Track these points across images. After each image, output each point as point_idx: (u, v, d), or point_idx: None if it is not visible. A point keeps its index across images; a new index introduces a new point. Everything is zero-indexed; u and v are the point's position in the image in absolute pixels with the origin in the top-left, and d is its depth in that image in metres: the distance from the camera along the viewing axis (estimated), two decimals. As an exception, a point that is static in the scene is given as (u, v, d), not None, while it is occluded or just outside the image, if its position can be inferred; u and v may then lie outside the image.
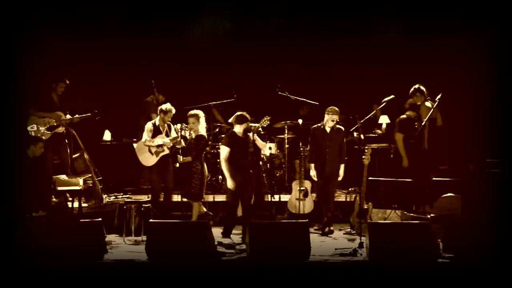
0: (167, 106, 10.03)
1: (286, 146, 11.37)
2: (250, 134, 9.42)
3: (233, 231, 9.64)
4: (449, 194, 9.13)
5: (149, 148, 9.98)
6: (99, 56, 12.11)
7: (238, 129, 9.41)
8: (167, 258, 8.26)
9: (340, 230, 10.16)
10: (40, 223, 8.92)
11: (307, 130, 10.29)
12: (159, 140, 9.93)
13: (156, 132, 10.01)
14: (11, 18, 9.96)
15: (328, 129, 9.82)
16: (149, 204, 9.71)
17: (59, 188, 9.77)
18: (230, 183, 9.26)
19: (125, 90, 12.43)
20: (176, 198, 10.54)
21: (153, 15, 12.32)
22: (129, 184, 11.77)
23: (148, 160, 10.02)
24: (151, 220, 8.86)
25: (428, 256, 8.16)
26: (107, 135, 11.56)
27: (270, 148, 11.12)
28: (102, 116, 10.62)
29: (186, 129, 9.84)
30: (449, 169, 10.75)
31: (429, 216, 9.20)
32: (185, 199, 10.08)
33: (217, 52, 12.78)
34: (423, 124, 10.12)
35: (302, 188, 10.33)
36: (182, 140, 9.79)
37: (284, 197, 10.79)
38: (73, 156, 10.65)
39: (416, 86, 10.50)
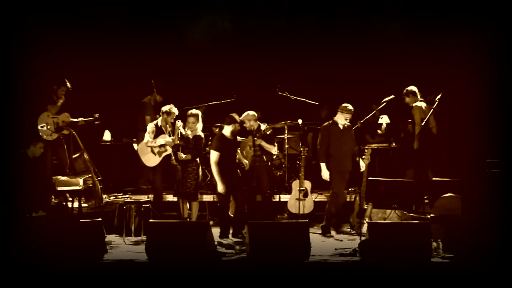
0: (170, 107, 10.03)
1: (286, 146, 11.36)
2: (257, 140, 9.72)
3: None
4: (449, 194, 9.13)
5: (151, 149, 9.99)
6: (99, 56, 12.12)
7: (227, 130, 9.47)
8: (167, 258, 8.26)
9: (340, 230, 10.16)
10: (40, 223, 8.92)
11: (307, 130, 10.30)
12: (161, 140, 9.94)
13: (158, 133, 10.01)
14: (11, 18, 9.97)
15: (341, 126, 9.82)
16: (149, 204, 9.71)
17: (59, 188, 9.76)
18: (221, 187, 9.32)
19: (125, 90, 12.44)
20: (172, 198, 10.51)
21: (153, 15, 12.32)
22: (129, 184, 11.76)
23: (151, 160, 10.03)
24: (151, 220, 8.86)
25: (427, 256, 8.17)
26: (107, 135, 11.56)
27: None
28: (101, 121, 10.69)
29: (182, 127, 9.82)
30: (449, 169, 10.74)
31: (429, 216, 9.20)
32: (176, 198, 10.07)
33: (217, 52, 12.79)
34: (423, 124, 10.14)
35: (302, 188, 10.32)
36: (178, 137, 9.79)
37: (284, 197, 10.78)
38: (73, 156, 10.64)
39: (409, 87, 10.51)
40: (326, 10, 12.33)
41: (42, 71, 10.47)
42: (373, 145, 11.08)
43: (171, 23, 12.46)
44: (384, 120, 11.63)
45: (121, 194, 10.54)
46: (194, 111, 9.88)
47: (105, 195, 10.37)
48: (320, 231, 9.90)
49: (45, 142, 10.03)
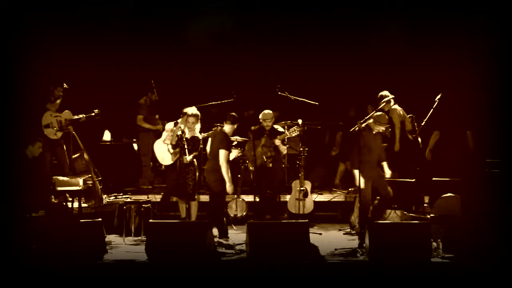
0: (191, 109, 9.93)
1: (286, 146, 11.33)
2: (276, 141, 9.82)
3: (233, 231, 9.67)
4: (449, 194, 9.14)
5: (168, 148, 9.98)
6: (99, 56, 12.12)
7: (229, 129, 9.54)
8: (167, 258, 8.26)
9: (340, 230, 10.16)
10: (40, 223, 8.92)
11: (307, 131, 10.30)
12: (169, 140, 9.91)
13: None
14: (11, 18, 9.96)
15: (374, 132, 9.65)
16: (149, 204, 9.70)
17: (59, 188, 9.76)
18: (231, 188, 9.40)
19: (125, 90, 12.43)
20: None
21: (153, 15, 12.32)
22: (129, 184, 11.75)
23: (166, 159, 10.02)
24: (151, 220, 8.86)
25: (427, 256, 8.17)
26: (107, 135, 11.56)
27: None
28: (102, 116, 10.66)
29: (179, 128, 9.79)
30: (449, 169, 10.74)
31: (429, 216, 9.20)
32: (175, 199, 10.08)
33: (217, 52, 12.79)
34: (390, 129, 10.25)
35: (302, 188, 10.32)
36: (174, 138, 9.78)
37: (284, 197, 10.78)
38: (73, 156, 10.64)
39: (383, 92, 10.47)
40: (326, 10, 12.33)
41: (42, 71, 10.46)
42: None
43: (171, 23, 12.46)
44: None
45: (121, 194, 10.54)
46: (194, 111, 9.85)
47: (105, 195, 10.37)
48: (319, 232, 9.92)
49: (45, 142, 10.03)
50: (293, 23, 12.63)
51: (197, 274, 7.89)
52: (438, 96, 10.21)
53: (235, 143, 11.36)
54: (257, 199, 10.27)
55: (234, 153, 11.09)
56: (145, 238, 8.64)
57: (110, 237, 9.39)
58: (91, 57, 12.00)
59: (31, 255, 8.26)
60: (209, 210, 9.78)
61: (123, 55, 12.27)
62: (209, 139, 9.82)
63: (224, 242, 9.19)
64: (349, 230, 10.02)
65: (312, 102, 11.66)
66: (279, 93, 11.50)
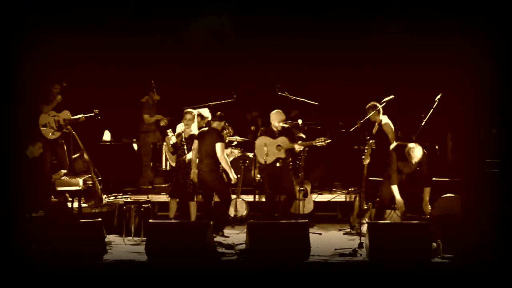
0: (205, 111, 10.01)
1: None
2: (296, 146, 9.80)
3: (233, 231, 9.65)
4: (448, 194, 9.13)
5: (167, 156, 10.00)
6: (99, 56, 12.12)
7: (218, 126, 9.56)
8: (167, 258, 8.26)
9: (340, 230, 10.16)
10: (40, 223, 8.92)
11: (307, 131, 10.30)
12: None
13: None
14: (11, 18, 9.96)
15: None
16: (149, 204, 9.70)
17: (59, 188, 9.77)
18: (234, 176, 9.50)
19: (125, 90, 12.43)
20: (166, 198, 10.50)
21: (153, 15, 12.33)
22: (129, 185, 11.75)
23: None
24: (150, 220, 8.86)
25: (427, 256, 8.17)
26: (106, 135, 11.57)
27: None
28: (102, 116, 10.67)
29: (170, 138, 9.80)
30: (449, 169, 10.74)
31: (429, 216, 9.19)
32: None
33: (217, 52, 12.78)
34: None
35: (302, 188, 10.31)
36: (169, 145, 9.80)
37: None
38: (73, 156, 10.65)
39: (371, 103, 10.41)
40: (326, 10, 12.33)
41: (42, 71, 10.46)
42: (373, 145, 11.05)
43: (171, 23, 12.46)
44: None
45: (121, 194, 10.55)
46: (192, 110, 9.87)
47: (105, 195, 10.37)
48: (319, 232, 9.92)
49: (45, 142, 10.03)
50: (293, 23, 12.63)
51: (197, 274, 7.89)
52: (438, 96, 10.21)
53: (235, 143, 11.36)
54: (263, 199, 10.28)
55: (234, 153, 11.08)
56: (145, 238, 8.64)
57: (110, 237, 9.38)
58: (91, 57, 12.00)
59: (31, 255, 8.26)
60: (203, 210, 9.76)
61: (123, 55, 12.28)
62: (196, 141, 9.59)
63: (224, 242, 9.18)
64: (349, 230, 10.01)
65: (312, 102, 11.67)
66: (279, 93, 11.51)
